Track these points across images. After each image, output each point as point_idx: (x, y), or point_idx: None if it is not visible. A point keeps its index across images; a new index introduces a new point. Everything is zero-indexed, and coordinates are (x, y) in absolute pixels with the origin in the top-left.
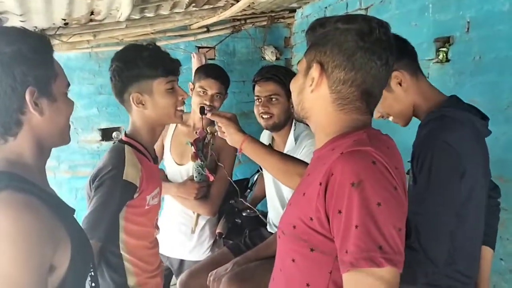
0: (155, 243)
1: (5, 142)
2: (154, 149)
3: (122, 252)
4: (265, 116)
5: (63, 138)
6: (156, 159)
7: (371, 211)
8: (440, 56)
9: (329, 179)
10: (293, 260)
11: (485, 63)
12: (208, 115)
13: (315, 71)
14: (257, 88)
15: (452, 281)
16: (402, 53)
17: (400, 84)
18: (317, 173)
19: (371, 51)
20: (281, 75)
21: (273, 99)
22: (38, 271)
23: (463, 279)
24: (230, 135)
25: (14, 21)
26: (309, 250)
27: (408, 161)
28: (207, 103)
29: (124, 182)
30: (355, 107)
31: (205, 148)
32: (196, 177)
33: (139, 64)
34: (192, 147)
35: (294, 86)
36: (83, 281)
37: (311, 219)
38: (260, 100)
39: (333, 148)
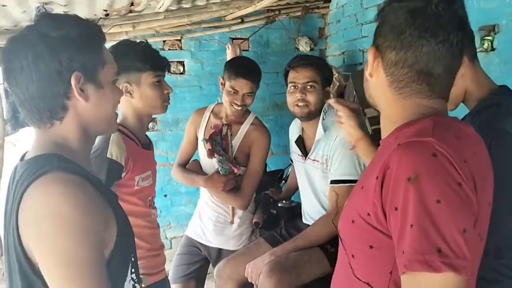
0: (155, 225)
1: (51, 125)
2: (145, 136)
3: None
4: (301, 104)
5: (110, 125)
6: (147, 145)
7: (429, 209)
8: (485, 45)
9: (386, 173)
10: (353, 256)
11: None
12: (331, 101)
13: (370, 54)
14: (293, 74)
15: (498, 275)
16: None
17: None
18: (375, 165)
19: (422, 28)
20: (319, 62)
21: (310, 86)
22: (96, 246)
23: (510, 274)
24: (348, 128)
25: (57, 11)
26: (368, 247)
27: None
28: (238, 103)
29: (109, 160)
30: (414, 90)
31: (224, 140)
32: (220, 170)
33: (131, 57)
34: (208, 143)
35: (365, 72)
36: (127, 266)
37: (369, 214)
38: (296, 87)
39: (396, 137)
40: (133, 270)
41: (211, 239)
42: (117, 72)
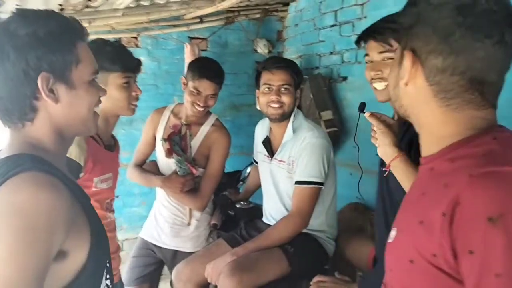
0: (111, 228)
1: (23, 126)
2: (110, 137)
3: None
4: (275, 105)
5: (86, 127)
6: (110, 147)
7: None
8: None
9: (455, 210)
10: None
11: None
12: (367, 115)
13: (407, 59)
14: (267, 76)
15: None
16: None
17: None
18: (437, 196)
19: (475, 27)
20: (293, 66)
21: (284, 89)
22: (44, 255)
23: None
24: (383, 146)
25: (10, 5)
26: None
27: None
28: (201, 104)
29: (67, 159)
30: (466, 101)
31: (182, 141)
32: (178, 171)
33: (100, 56)
34: (166, 143)
35: (389, 78)
36: (101, 272)
37: (435, 255)
38: (271, 89)
39: (453, 160)
40: (107, 276)
41: (167, 241)
42: (96, 71)
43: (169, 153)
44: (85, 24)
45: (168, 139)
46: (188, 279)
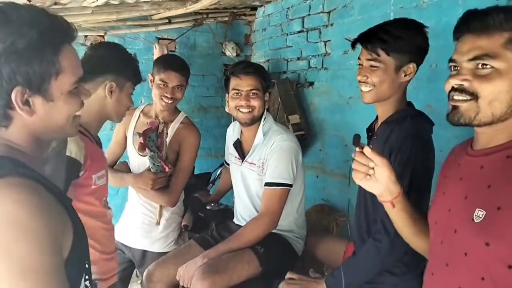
0: (110, 226)
1: None
2: (97, 136)
3: None
4: (245, 110)
5: (64, 133)
6: (100, 144)
7: None
8: None
9: None
10: (510, 267)
11: (440, 71)
12: (366, 151)
13: None
14: (236, 81)
15: None
16: (425, 54)
17: (405, 74)
18: None
19: None
20: (261, 70)
21: (253, 94)
22: (54, 253)
23: None
24: (387, 182)
25: None
26: None
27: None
28: (168, 95)
29: (68, 158)
30: None
31: (159, 138)
32: (151, 168)
33: (129, 66)
34: (140, 138)
35: (505, 86)
36: (81, 272)
37: None
38: (239, 94)
39: None
40: (86, 277)
41: (136, 241)
42: (78, 80)
43: (142, 147)
44: None
45: (143, 134)
46: (159, 280)
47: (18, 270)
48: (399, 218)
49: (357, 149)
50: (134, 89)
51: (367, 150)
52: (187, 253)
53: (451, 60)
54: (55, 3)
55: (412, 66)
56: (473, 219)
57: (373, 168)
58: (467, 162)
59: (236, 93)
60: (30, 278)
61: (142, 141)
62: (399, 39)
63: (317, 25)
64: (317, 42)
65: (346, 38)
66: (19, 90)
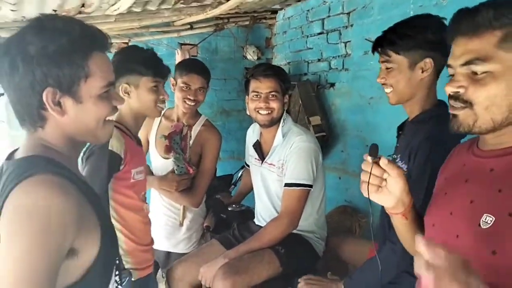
0: (147, 220)
1: (35, 130)
2: (138, 136)
3: (112, 220)
4: (264, 112)
5: (95, 137)
6: (140, 143)
7: None
8: None
9: None
10: None
11: None
12: (383, 163)
13: None
14: (255, 83)
15: None
16: (443, 46)
17: (422, 70)
18: None
19: None
20: (280, 72)
21: (272, 96)
22: (53, 255)
23: None
24: (400, 194)
25: (5, 10)
26: None
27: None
28: (191, 97)
29: (110, 152)
30: None
31: (183, 141)
32: (176, 170)
33: (135, 61)
34: (166, 140)
35: (501, 90)
36: (111, 269)
37: None
38: (259, 96)
39: None
40: (117, 272)
41: (159, 243)
42: (109, 84)
43: (167, 149)
44: None
45: (169, 137)
46: (181, 278)
47: (17, 258)
48: (408, 228)
49: (369, 158)
50: (159, 82)
51: (383, 161)
52: (209, 252)
53: (447, 65)
54: (80, 12)
55: (428, 61)
56: (479, 225)
57: (385, 180)
58: (474, 163)
59: (256, 95)
60: (24, 273)
61: (168, 144)
62: (407, 37)
63: (337, 26)
64: (337, 43)
65: (366, 39)
66: (50, 91)
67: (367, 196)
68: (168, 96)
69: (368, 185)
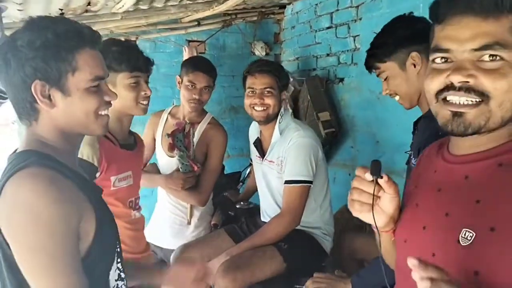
0: (136, 227)
1: (30, 124)
2: (128, 136)
3: None
4: (259, 108)
5: (88, 129)
6: (128, 146)
7: None
8: None
9: None
10: None
11: None
12: (384, 181)
13: None
14: (251, 80)
15: None
16: (426, 36)
17: (414, 65)
18: None
19: None
20: (276, 68)
21: (267, 92)
22: (67, 237)
23: None
24: (393, 212)
25: (12, 10)
26: None
27: (406, 152)
28: (197, 97)
29: (79, 160)
30: None
31: (186, 138)
32: (180, 168)
33: (107, 57)
34: (169, 138)
35: (507, 82)
36: (110, 255)
37: None
38: (254, 92)
39: None
40: (118, 260)
41: (168, 241)
42: (97, 78)
43: (171, 147)
44: None
45: (171, 135)
46: (184, 262)
47: (32, 252)
48: (391, 250)
49: (369, 176)
50: (138, 77)
51: (385, 179)
52: (215, 239)
53: (439, 50)
54: (86, 11)
55: (414, 54)
56: (459, 241)
57: (379, 197)
58: (446, 169)
59: (251, 91)
60: (45, 260)
61: (171, 142)
62: (383, 44)
63: (345, 20)
64: (346, 38)
65: (375, 32)
66: (37, 83)
67: (357, 216)
68: (150, 91)
69: (372, 207)
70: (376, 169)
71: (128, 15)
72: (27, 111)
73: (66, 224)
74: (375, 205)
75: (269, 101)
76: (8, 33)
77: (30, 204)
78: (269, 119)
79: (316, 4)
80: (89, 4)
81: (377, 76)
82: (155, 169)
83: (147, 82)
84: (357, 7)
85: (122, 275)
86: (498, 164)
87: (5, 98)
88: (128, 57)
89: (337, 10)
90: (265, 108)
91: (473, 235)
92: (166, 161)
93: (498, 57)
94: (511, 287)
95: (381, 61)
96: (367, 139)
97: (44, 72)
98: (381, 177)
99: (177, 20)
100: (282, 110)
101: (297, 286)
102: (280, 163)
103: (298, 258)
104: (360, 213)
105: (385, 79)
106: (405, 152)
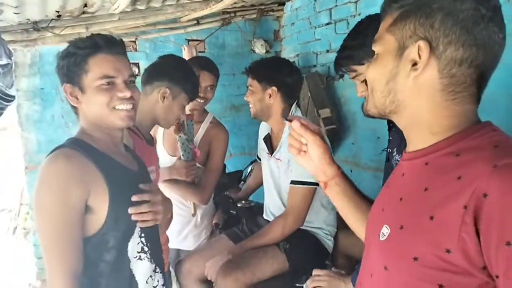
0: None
1: (77, 117)
2: (149, 133)
3: None
4: (250, 106)
5: (107, 120)
6: (150, 141)
7: None
8: None
9: (482, 203)
10: None
11: None
12: (295, 125)
13: (423, 51)
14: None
15: None
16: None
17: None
18: (448, 189)
19: (493, 21)
20: (255, 67)
21: (249, 91)
22: (67, 204)
23: None
24: (319, 162)
25: (8, 13)
26: (437, 287)
27: (383, 150)
28: (201, 95)
29: None
30: (469, 95)
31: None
32: (183, 155)
33: (190, 79)
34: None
35: (378, 73)
36: (126, 229)
37: (448, 251)
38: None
39: (458, 153)
40: (142, 234)
41: (171, 241)
42: (103, 77)
43: (177, 129)
44: (82, 30)
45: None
46: (188, 272)
47: (41, 212)
48: (338, 202)
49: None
50: (188, 103)
51: (295, 124)
52: (217, 246)
53: None
54: (84, 13)
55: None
56: (379, 237)
57: (305, 144)
58: (398, 167)
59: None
60: (49, 218)
61: (177, 124)
62: (360, 46)
63: (344, 16)
64: (346, 34)
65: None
66: (66, 85)
67: (296, 161)
68: (184, 116)
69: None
70: (286, 113)
71: (125, 16)
72: (72, 108)
73: (72, 193)
74: (305, 152)
75: (250, 98)
76: (4, 36)
77: (46, 172)
78: (258, 117)
79: (315, 1)
80: (85, 5)
81: (352, 78)
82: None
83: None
84: (355, 2)
85: (146, 248)
86: (425, 163)
87: (10, 101)
88: (196, 88)
89: (336, 6)
90: (251, 106)
91: (388, 231)
92: (168, 160)
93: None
94: (411, 285)
95: (359, 63)
96: (368, 135)
97: (68, 76)
98: (290, 120)
99: (176, 19)
100: (293, 108)
101: (298, 285)
102: (287, 162)
103: (301, 257)
104: (294, 155)
105: (362, 81)
106: (383, 150)
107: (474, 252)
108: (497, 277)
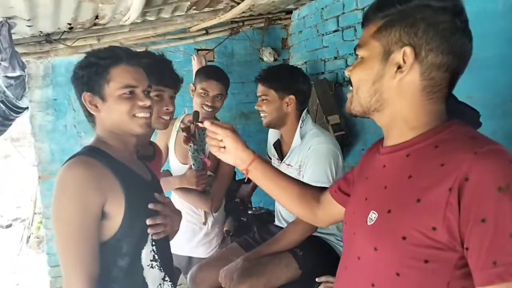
0: None
1: (93, 126)
2: (149, 148)
3: None
4: (262, 114)
5: (126, 128)
6: (146, 157)
7: None
8: None
9: (464, 185)
10: (398, 274)
11: (481, 59)
12: (206, 124)
13: (409, 56)
14: (258, 87)
15: None
16: None
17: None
18: (434, 175)
19: (465, 32)
20: (270, 75)
21: (263, 100)
22: (85, 208)
23: None
24: (235, 152)
25: (21, 26)
26: (423, 262)
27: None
28: (209, 103)
29: None
30: (442, 96)
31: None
32: (193, 165)
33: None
34: (184, 132)
35: (364, 74)
36: (140, 237)
37: (434, 229)
38: (259, 99)
39: (437, 145)
40: (154, 243)
41: (181, 248)
42: (125, 86)
43: (186, 140)
44: (93, 41)
45: (186, 129)
46: (202, 282)
47: (56, 216)
48: (263, 185)
49: (198, 124)
50: (163, 91)
51: (207, 124)
52: (230, 255)
53: None
54: (95, 24)
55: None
56: (367, 222)
57: (221, 141)
58: (376, 160)
59: (258, 97)
60: (62, 223)
61: (186, 134)
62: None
63: (352, 23)
64: (353, 40)
65: None
66: (86, 94)
67: (217, 156)
68: (174, 107)
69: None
70: (194, 116)
71: (136, 27)
72: (87, 117)
73: (88, 200)
74: (224, 149)
75: (265, 107)
76: (18, 49)
77: (63, 179)
78: (272, 125)
79: (322, 8)
80: (96, 17)
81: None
82: (168, 175)
83: (172, 98)
84: (362, 9)
85: (156, 257)
86: (406, 155)
87: (20, 113)
88: (157, 71)
89: (343, 13)
90: (265, 114)
91: (376, 216)
92: (180, 168)
93: (359, 56)
94: (400, 262)
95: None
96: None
97: (88, 85)
98: (201, 122)
99: (185, 29)
100: (304, 115)
101: None
102: (298, 168)
103: (314, 264)
104: (216, 153)
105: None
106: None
107: (456, 229)
108: (467, 249)
